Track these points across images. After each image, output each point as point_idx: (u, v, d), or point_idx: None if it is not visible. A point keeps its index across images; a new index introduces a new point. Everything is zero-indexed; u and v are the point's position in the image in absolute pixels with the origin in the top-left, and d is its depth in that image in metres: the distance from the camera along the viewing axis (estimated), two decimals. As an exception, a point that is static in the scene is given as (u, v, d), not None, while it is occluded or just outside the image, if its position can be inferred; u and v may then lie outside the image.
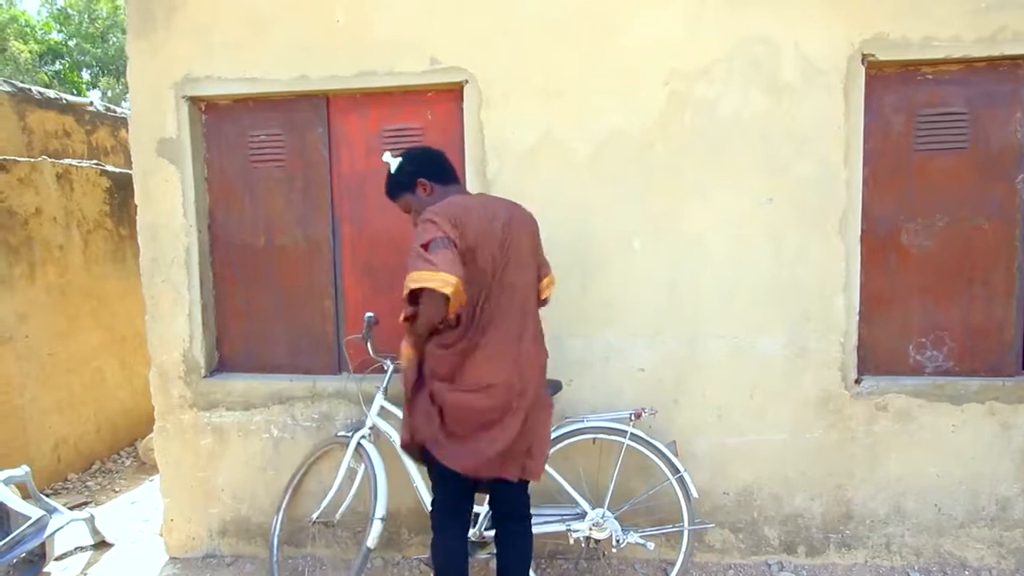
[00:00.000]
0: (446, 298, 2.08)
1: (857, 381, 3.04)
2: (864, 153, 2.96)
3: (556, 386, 2.93)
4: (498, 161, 3.07)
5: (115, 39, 17.37)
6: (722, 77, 2.96)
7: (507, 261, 2.30)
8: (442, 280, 2.06)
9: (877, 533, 3.10)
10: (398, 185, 2.47)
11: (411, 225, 2.46)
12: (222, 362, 3.46)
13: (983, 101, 2.94)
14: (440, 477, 2.46)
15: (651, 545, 2.91)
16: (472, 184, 3.09)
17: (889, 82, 2.98)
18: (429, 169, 2.45)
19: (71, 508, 3.79)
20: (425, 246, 2.12)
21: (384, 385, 3.03)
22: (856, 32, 2.89)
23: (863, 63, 2.90)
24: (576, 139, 3.04)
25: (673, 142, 3.00)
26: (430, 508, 2.55)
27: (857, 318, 3.01)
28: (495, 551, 2.92)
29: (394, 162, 2.48)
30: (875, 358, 3.09)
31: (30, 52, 15.97)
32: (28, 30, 16.63)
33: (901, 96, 2.98)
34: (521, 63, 3.04)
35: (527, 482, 2.51)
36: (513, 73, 3.04)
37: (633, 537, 2.89)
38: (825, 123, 2.93)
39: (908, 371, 3.09)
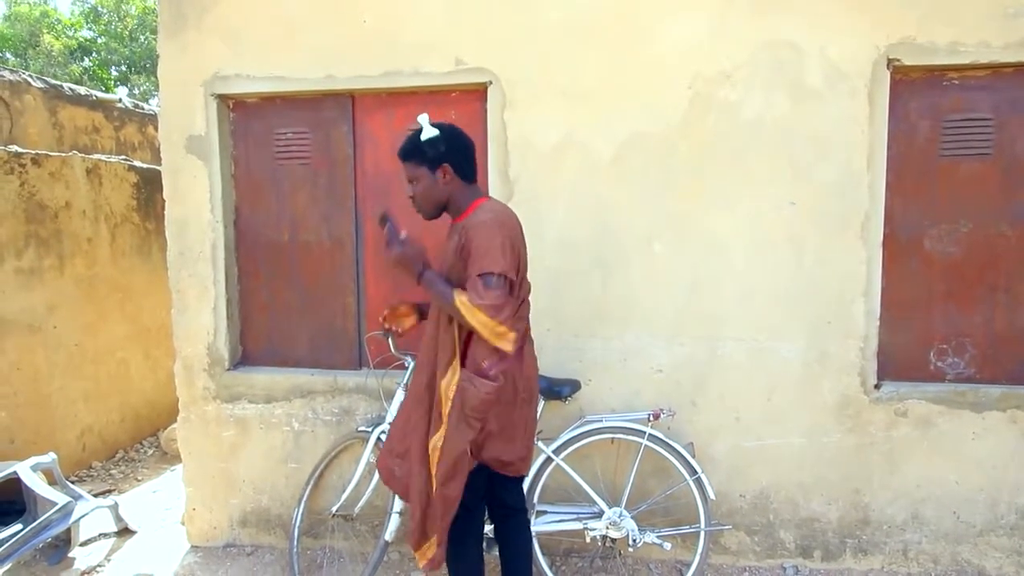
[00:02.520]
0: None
1: (877, 386, 3.03)
2: (888, 158, 2.95)
3: (575, 385, 2.95)
4: (520, 161, 3.10)
5: (143, 38, 17.63)
6: (746, 81, 2.96)
7: (525, 271, 2.36)
8: (507, 339, 2.11)
9: (894, 539, 3.09)
10: (419, 154, 2.27)
11: (410, 197, 2.34)
12: (245, 355, 3.52)
13: (1010, 107, 2.92)
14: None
15: (667, 545, 2.93)
16: (494, 183, 3.12)
17: (915, 87, 2.97)
18: (458, 159, 2.30)
19: (95, 495, 3.87)
20: (486, 276, 2.09)
21: (404, 381, 3.06)
22: (882, 36, 2.88)
23: (889, 68, 2.89)
24: (598, 141, 3.06)
25: (696, 145, 3.01)
26: None
27: (877, 323, 3.00)
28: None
29: (429, 131, 2.26)
30: (895, 364, 3.08)
31: (63, 46, 16.26)
32: (59, 27, 16.93)
33: (926, 101, 2.97)
34: (545, 65, 3.06)
35: (523, 477, 2.57)
36: (537, 74, 3.07)
37: (649, 537, 2.90)
38: (849, 127, 2.93)
39: (929, 377, 3.08)
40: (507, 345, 2.12)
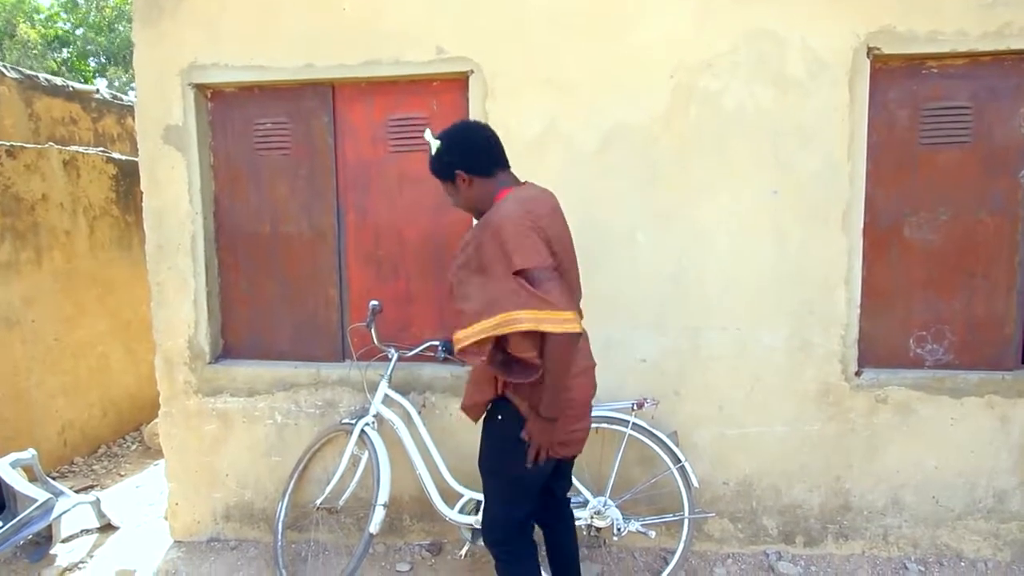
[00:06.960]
0: (578, 335, 1.99)
1: (857, 373, 3.05)
2: (868, 147, 2.96)
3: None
4: (503, 151, 3.08)
5: (122, 29, 17.35)
6: (727, 70, 2.96)
7: (569, 254, 2.29)
8: (567, 318, 1.94)
9: (875, 524, 3.13)
10: (437, 170, 2.27)
11: (457, 210, 2.27)
12: (227, 348, 3.48)
13: (987, 95, 2.94)
14: (520, 486, 2.27)
15: (652, 533, 2.95)
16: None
17: (894, 76, 2.98)
18: (468, 161, 2.19)
19: (77, 491, 3.84)
20: (526, 275, 1.96)
21: (388, 373, 3.05)
22: (862, 25, 2.89)
23: (868, 56, 2.90)
24: (581, 131, 3.05)
25: (678, 135, 3.01)
26: (493, 529, 2.34)
27: (858, 311, 3.03)
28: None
29: (434, 144, 2.22)
30: (876, 351, 3.11)
31: (40, 36, 15.97)
32: (35, 17, 16.62)
33: (906, 90, 2.98)
34: (526, 54, 3.04)
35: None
36: (518, 64, 3.05)
37: (634, 525, 2.91)
38: (829, 116, 2.94)
39: (908, 364, 3.11)
40: (574, 326, 1.96)
